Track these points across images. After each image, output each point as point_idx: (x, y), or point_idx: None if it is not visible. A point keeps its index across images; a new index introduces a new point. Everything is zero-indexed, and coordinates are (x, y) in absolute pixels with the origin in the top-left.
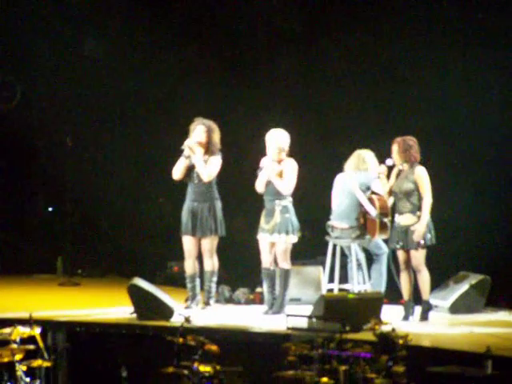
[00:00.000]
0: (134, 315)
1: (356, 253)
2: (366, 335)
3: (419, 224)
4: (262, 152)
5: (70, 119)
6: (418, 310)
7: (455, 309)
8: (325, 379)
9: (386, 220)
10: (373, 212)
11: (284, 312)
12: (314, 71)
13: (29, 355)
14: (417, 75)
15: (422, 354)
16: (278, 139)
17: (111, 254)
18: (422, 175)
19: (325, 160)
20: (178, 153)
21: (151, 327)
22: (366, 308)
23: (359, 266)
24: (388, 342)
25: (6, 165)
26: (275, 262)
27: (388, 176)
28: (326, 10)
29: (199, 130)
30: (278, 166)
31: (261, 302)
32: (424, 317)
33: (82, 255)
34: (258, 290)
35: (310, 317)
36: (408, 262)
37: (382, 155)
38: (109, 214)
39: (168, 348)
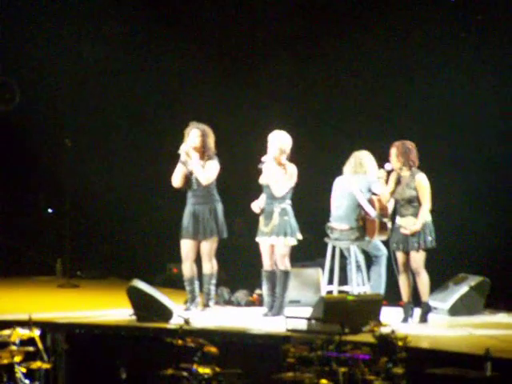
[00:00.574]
0: (134, 317)
1: (355, 254)
2: (366, 337)
3: (415, 225)
4: (261, 154)
5: (70, 120)
6: (417, 311)
7: (454, 311)
8: (324, 381)
9: (385, 220)
10: (372, 212)
11: (283, 314)
12: (313, 74)
13: (28, 357)
14: (416, 78)
15: (422, 356)
16: (280, 140)
17: (110, 256)
18: (422, 183)
19: (324, 162)
20: (177, 156)
21: (150, 329)
22: (366, 310)
23: (358, 267)
24: (387, 344)
25: (6, 166)
26: (275, 264)
27: (386, 180)
28: (325, 13)
29: (194, 135)
30: (277, 168)
31: (260, 303)
32: (423, 319)
33: (81, 257)
34: (258, 292)
35: (309, 319)
36: (407, 264)
37: (382, 158)
38: (108, 216)
39: (167, 350)
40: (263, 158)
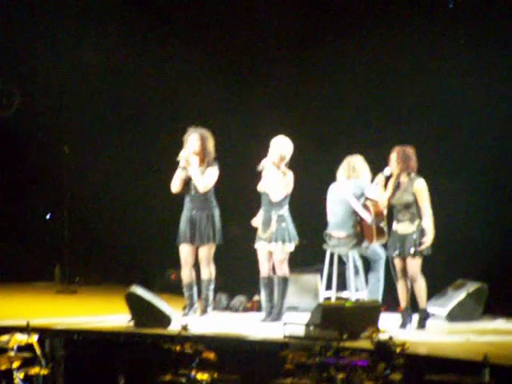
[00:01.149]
0: (132, 323)
1: (354, 260)
2: (364, 343)
3: (427, 237)
4: (259, 159)
5: (68, 127)
6: (415, 318)
7: (452, 317)
8: None
9: (381, 225)
10: (368, 218)
11: (281, 320)
12: (312, 79)
13: (26, 363)
14: (415, 82)
15: (420, 362)
16: (282, 147)
17: (109, 262)
18: (421, 188)
19: (323, 168)
20: (176, 162)
21: (149, 335)
22: (364, 316)
23: (357, 273)
24: (385, 350)
25: (4, 172)
26: (273, 270)
27: (385, 185)
28: (325, 16)
29: (193, 139)
30: (276, 172)
31: (258, 309)
32: (421, 325)
33: (79, 263)
34: (256, 298)
35: (307, 325)
36: (405, 269)
37: (381, 163)
38: (107, 222)
39: (165, 356)
40: (263, 161)
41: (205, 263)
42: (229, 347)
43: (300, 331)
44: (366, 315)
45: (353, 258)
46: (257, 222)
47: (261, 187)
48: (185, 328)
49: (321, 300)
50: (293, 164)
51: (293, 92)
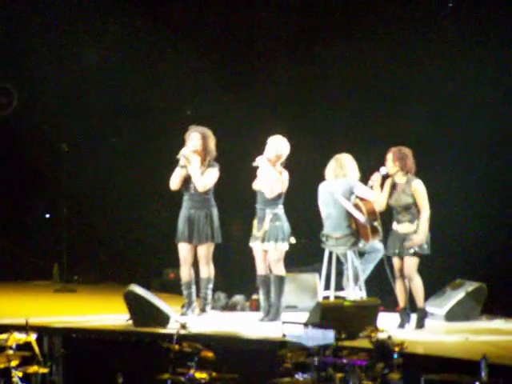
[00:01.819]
0: (130, 322)
1: (352, 260)
2: (362, 342)
3: (418, 235)
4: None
5: (67, 125)
6: (414, 317)
7: (451, 316)
8: None
9: (375, 224)
10: (361, 218)
11: (280, 319)
12: (311, 79)
13: (25, 361)
14: (415, 82)
15: (418, 362)
16: (278, 146)
17: (107, 261)
18: (419, 189)
19: (321, 166)
20: (175, 161)
21: (147, 334)
22: (362, 315)
23: (355, 272)
24: (384, 350)
25: (3, 171)
26: (270, 268)
27: (381, 185)
28: (324, 16)
29: (194, 138)
30: (271, 169)
31: (257, 309)
32: (420, 324)
33: (78, 262)
34: (254, 297)
35: (306, 324)
36: (403, 269)
37: (379, 163)
38: (105, 221)
39: (164, 355)
40: (258, 158)
41: (204, 262)
42: (227, 346)
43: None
44: (365, 315)
45: (351, 257)
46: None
47: (256, 185)
48: (183, 327)
49: (319, 299)
50: (290, 163)
51: (291, 91)
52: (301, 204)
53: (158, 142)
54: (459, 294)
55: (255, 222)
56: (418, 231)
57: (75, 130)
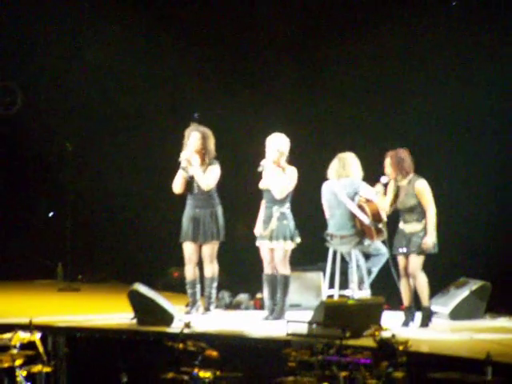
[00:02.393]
0: (135, 321)
1: (356, 259)
2: (366, 341)
3: (429, 237)
4: (260, 157)
5: (71, 124)
6: (418, 315)
7: (455, 315)
8: None
9: (380, 226)
10: (366, 220)
11: (284, 318)
12: (313, 79)
13: (29, 360)
14: (416, 84)
15: (422, 360)
16: (278, 143)
17: (111, 260)
18: (422, 189)
19: (325, 165)
20: (177, 164)
21: (151, 333)
22: (367, 314)
23: (359, 271)
24: (388, 348)
25: (7, 170)
26: (275, 268)
27: (384, 193)
28: (325, 18)
29: (194, 138)
30: (277, 169)
31: (261, 307)
32: (424, 323)
33: (82, 261)
34: (259, 295)
35: (310, 323)
36: (408, 267)
37: (380, 163)
38: (109, 220)
39: (168, 354)
40: (262, 162)
41: (208, 261)
42: (231, 345)
43: (303, 329)
44: (369, 313)
45: (355, 256)
46: (258, 229)
47: (263, 185)
48: (188, 326)
49: (324, 298)
50: (294, 162)
51: (293, 90)
52: (304, 203)
53: (162, 140)
54: (463, 293)
55: (261, 221)
56: (427, 233)
57: (79, 129)
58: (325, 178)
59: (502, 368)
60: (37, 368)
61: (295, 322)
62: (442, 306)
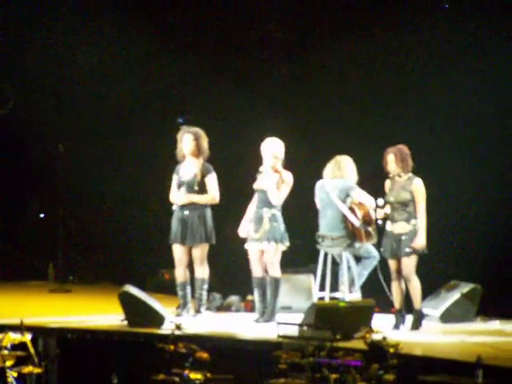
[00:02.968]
0: (125, 322)
1: (347, 261)
2: (357, 343)
3: (419, 237)
4: (254, 160)
5: (63, 125)
6: (409, 318)
7: (446, 318)
8: None
9: (369, 229)
10: (356, 222)
11: (275, 320)
12: (308, 80)
13: (20, 361)
14: (413, 82)
15: (413, 363)
16: (272, 147)
17: (103, 261)
18: (419, 188)
19: (318, 168)
20: (171, 162)
21: (142, 334)
22: (357, 316)
23: (350, 273)
24: (379, 351)
25: None
26: (265, 270)
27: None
28: (320, 19)
29: (187, 140)
30: (274, 175)
31: (252, 309)
32: (416, 326)
33: (73, 262)
34: (249, 297)
35: (300, 325)
36: (399, 270)
37: (375, 164)
38: (101, 221)
39: (159, 355)
40: (261, 168)
41: (198, 263)
42: (222, 347)
43: (293, 331)
44: (360, 315)
45: (346, 258)
46: (243, 231)
47: (257, 185)
48: (178, 327)
49: (314, 300)
50: (287, 163)
51: (288, 93)
52: (296, 205)
53: (154, 142)
54: (454, 296)
55: (251, 223)
56: (417, 233)
57: (71, 131)
58: (316, 180)
59: (492, 371)
60: (28, 369)
61: (286, 324)
62: (433, 309)
